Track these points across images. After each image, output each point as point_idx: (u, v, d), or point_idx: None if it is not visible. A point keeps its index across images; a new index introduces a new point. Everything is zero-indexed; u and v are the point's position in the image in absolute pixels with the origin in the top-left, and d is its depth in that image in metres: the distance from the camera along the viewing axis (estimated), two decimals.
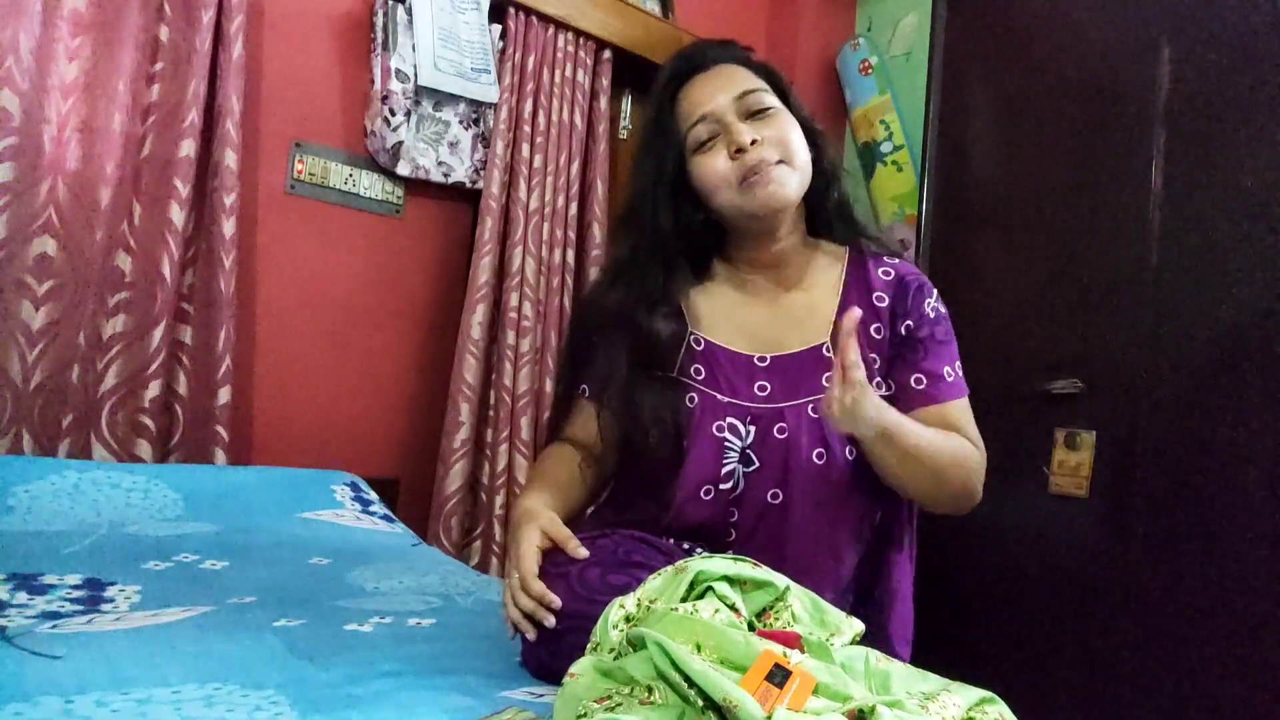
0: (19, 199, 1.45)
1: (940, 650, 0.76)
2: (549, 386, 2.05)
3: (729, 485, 1.00)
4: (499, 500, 1.96)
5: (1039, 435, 2.02)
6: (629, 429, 1.03)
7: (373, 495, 1.70)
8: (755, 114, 1.03)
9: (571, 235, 2.15)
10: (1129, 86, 1.95)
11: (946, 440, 1.00)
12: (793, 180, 1.03)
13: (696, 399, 1.03)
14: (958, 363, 1.08)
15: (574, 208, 2.16)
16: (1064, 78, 2.09)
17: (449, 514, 1.90)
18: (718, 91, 1.04)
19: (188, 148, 1.60)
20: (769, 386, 1.03)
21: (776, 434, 1.00)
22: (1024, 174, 2.16)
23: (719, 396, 1.03)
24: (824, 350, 1.05)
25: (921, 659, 0.84)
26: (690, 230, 1.08)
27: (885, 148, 2.53)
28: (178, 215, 1.59)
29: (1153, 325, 1.86)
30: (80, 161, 1.52)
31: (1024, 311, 2.10)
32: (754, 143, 1.01)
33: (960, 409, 1.05)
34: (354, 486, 1.68)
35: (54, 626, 0.86)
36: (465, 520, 1.96)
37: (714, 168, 1.03)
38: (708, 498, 1.00)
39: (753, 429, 1.01)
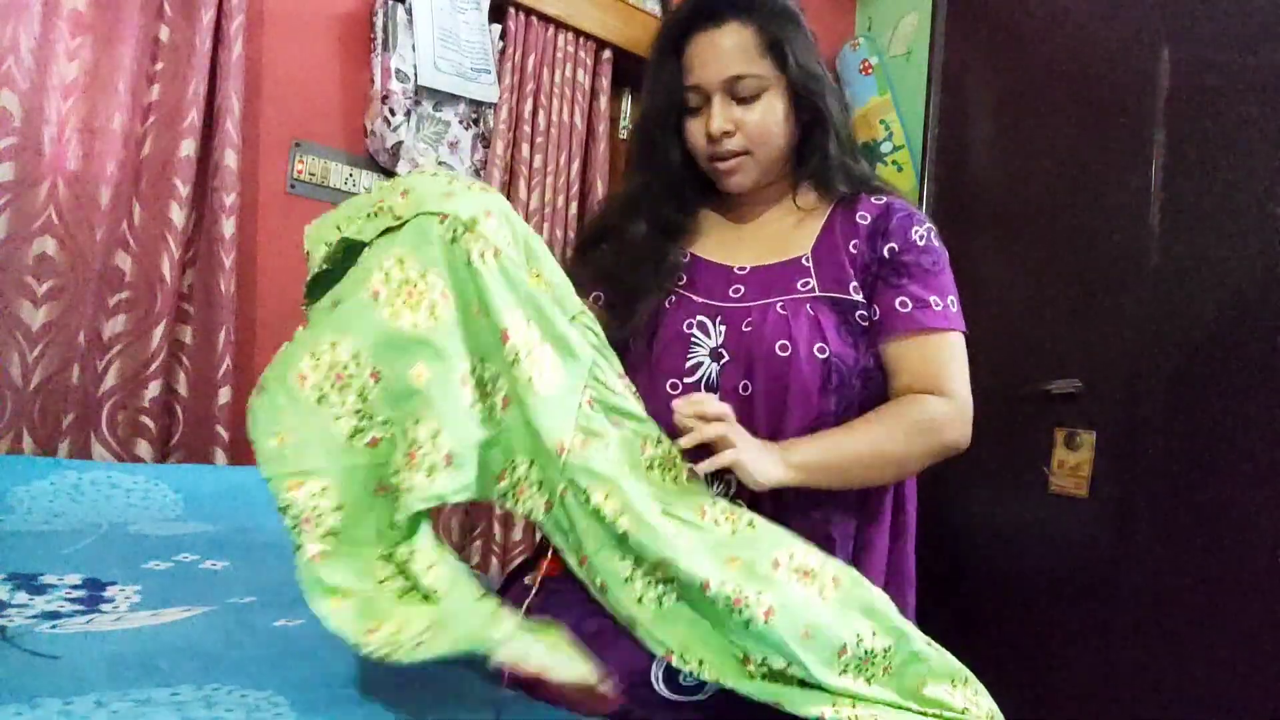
0: (19, 199, 1.45)
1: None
2: None
3: (695, 380, 1.03)
4: None
5: (1039, 435, 2.02)
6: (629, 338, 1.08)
7: None
8: (742, 98, 1.06)
9: (571, 235, 2.15)
10: (1129, 86, 1.95)
11: (887, 421, 1.00)
12: (752, 173, 1.09)
13: (674, 299, 1.09)
14: (951, 296, 1.06)
15: (574, 208, 2.16)
16: (1064, 77, 2.09)
17: (449, 514, 1.90)
18: (713, 65, 1.06)
19: (188, 148, 1.60)
20: (743, 289, 1.08)
21: (744, 328, 1.04)
22: (1024, 174, 2.16)
23: (694, 298, 1.08)
24: (803, 260, 1.08)
25: None
26: (693, 165, 1.14)
27: (885, 148, 2.53)
28: (178, 215, 1.59)
29: (1153, 325, 1.86)
30: (80, 161, 1.52)
31: (1024, 311, 2.10)
32: (726, 134, 1.06)
33: (946, 344, 1.04)
34: None
35: (54, 626, 0.86)
36: (465, 520, 1.96)
37: (693, 135, 1.10)
38: (675, 393, 1.02)
39: (724, 328, 1.05)
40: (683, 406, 0.90)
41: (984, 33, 2.31)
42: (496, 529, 1.95)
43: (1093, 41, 2.04)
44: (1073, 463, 1.96)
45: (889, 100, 2.54)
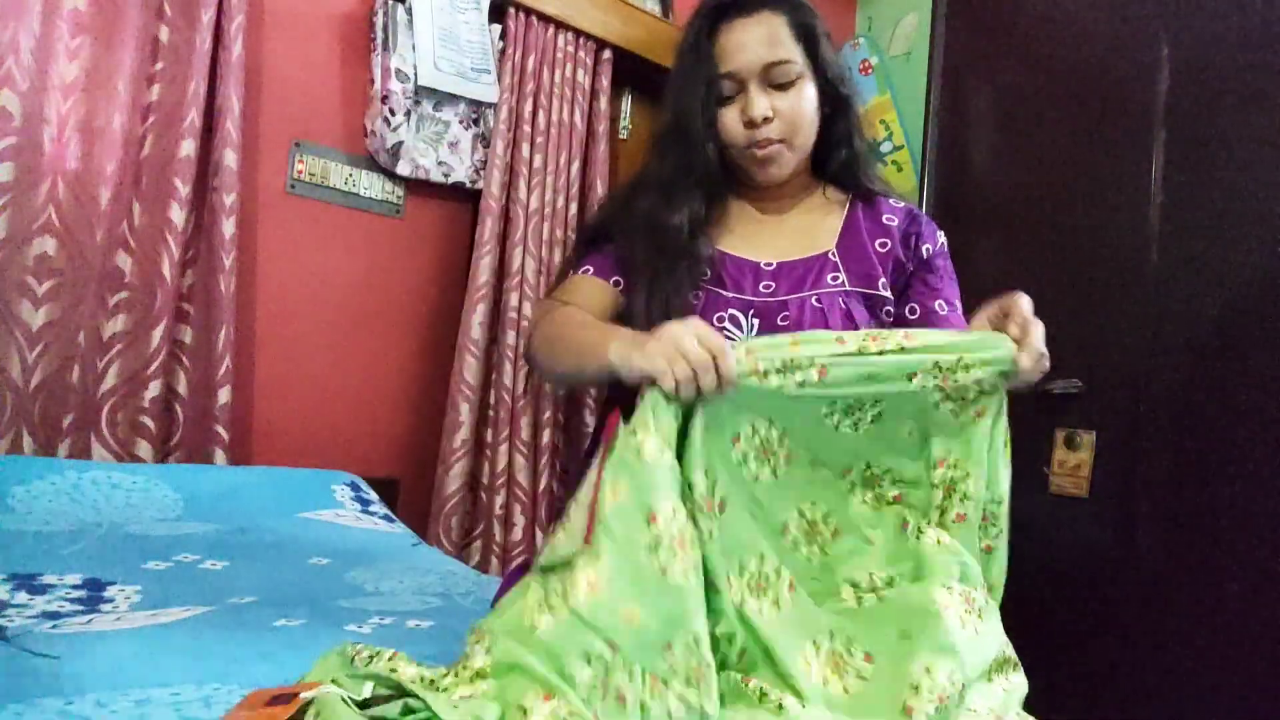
0: (19, 199, 1.45)
1: None
2: (548, 386, 2.05)
3: None
4: (499, 500, 1.96)
5: (1039, 435, 2.02)
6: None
7: (373, 495, 1.70)
8: (778, 85, 1.07)
9: (571, 235, 2.15)
10: (1129, 86, 1.95)
11: None
12: (789, 162, 1.10)
13: (702, 295, 1.07)
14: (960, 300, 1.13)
15: (574, 208, 2.16)
16: (1064, 77, 2.09)
17: (449, 514, 1.90)
18: (749, 51, 1.07)
19: (188, 148, 1.60)
20: (773, 285, 1.08)
21: (780, 322, 1.04)
22: (1024, 174, 2.16)
23: (723, 293, 1.07)
24: (829, 255, 1.10)
25: None
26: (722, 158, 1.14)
27: (885, 147, 2.53)
28: (178, 215, 1.59)
29: (1153, 325, 1.86)
30: (80, 161, 1.52)
31: None
32: (766, 120, 1.06)
33: None
34: (354, 486, 1.68)
35: (54, 626, 0.86)
36: (465, 520, 1.96)
37: (728, 124, 1.09)
38: None
39: (756, 321, 1.05)
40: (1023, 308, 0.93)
41: (984, 33, 2.31)
42: (496, 529, 1.95)
43: (1093, 41, 2.04)
44: (1073, 463, 1.96)
45: (889, 100, 2.55)
